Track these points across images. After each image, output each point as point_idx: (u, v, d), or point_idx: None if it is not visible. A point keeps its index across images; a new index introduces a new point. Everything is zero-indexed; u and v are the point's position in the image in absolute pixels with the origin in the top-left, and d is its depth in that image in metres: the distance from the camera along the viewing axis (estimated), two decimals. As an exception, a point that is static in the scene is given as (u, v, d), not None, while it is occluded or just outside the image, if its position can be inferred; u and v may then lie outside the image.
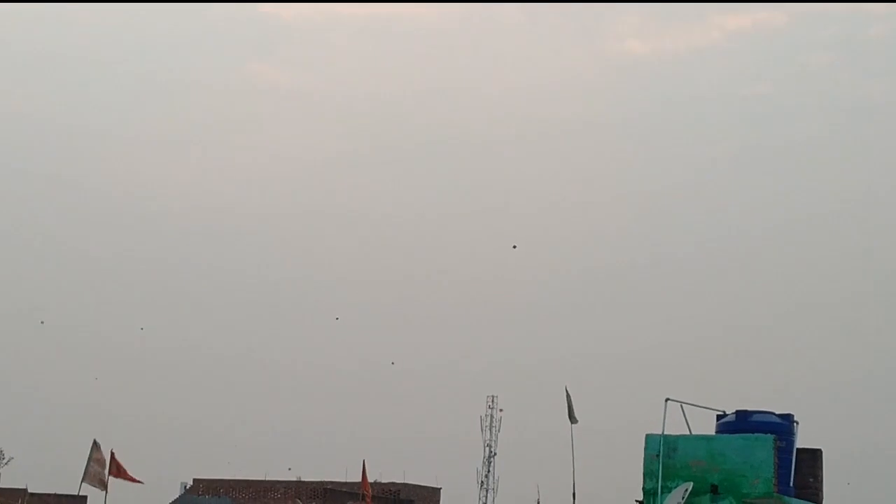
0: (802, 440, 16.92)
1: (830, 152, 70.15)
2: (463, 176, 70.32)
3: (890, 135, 70.40)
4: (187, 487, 45.22)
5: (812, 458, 16.89)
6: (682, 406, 16.39)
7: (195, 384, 58.93)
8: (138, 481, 26.95)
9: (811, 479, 16.77)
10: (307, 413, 57.83)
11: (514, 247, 53.96)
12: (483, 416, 46.46)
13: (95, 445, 25.87)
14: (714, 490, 16.03)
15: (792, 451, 16.51)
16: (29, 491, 33.93)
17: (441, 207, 69.58)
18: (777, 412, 16.83)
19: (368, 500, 38.94)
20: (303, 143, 72.89)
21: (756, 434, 16.17)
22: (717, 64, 74.09)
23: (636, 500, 16.53)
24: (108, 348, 56.93)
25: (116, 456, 26.15)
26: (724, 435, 16.44)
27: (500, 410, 46.18)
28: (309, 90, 73.59)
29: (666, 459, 16.18)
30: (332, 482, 43.07)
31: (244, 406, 57.78)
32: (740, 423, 16.45)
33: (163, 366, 58.72)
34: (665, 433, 16.24)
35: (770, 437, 16.05)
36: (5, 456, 33.47)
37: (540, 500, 25.12)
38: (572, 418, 18.85)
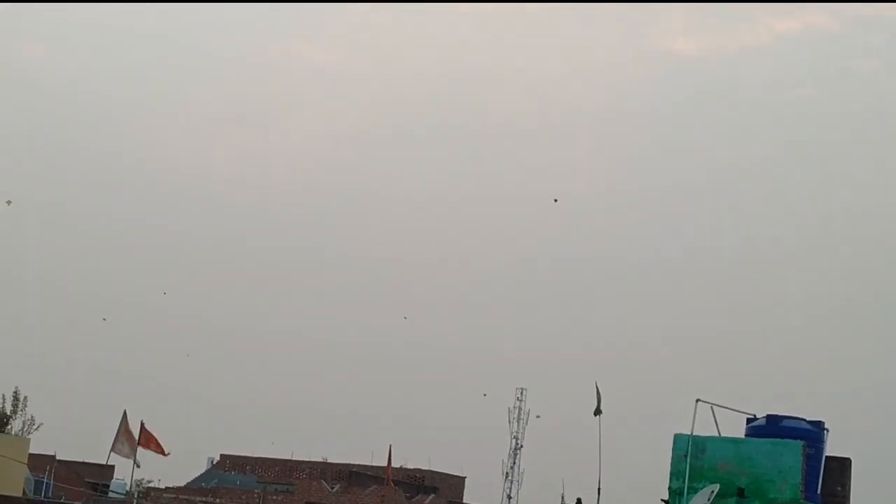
0: (832, 448, 16.80)
1: (870, 156, 69.81)
2: (506, 159, 70.33)
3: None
4: (214, 462, 45.43)
5: (841, 466, 16.78)
6: (712, 407, 16.31)
7: (227, 359, 59.22)
8: (166, 453, 27.17)
9: (839, 488, 16.66)
10: (337, 394, 57.99)
11: (556, 200, 54.21)
12: (511, 407, 46.40)
13: (125, 417, 26.10)
14: (741, 493, 15.95)
15: (821, 459, 16.40)
16: (57, 458, 34.20)
17: (478, 190, 69.66)
18: (808, 419, 16.72)
19: (390, 484, 39.11)
20: (342, 120, 73.09)
21: (786, 440, 16.07)
22: (763, 65, 73.63)
23: (662, 500, 16.47)
24: (143, 318, 57.27)
25: (146, 427, 26.36)
26: (753, 439, 16.35)
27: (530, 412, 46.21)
28: (349, 69, 73.69)
29: (693, 460, 16.12)
30: (357, 465, 43.15)
31: (276, 383, 58.06)
32: (770, 428, 16.36)
33: (196, 339, 59.06)
34: (694, 434, 16.17)
35: (799, 443, 15.95)
36: (35, 422, 33.79)
37: (565, 495, 25.07)
38: (598, 411, 18.80)
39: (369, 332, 59.99)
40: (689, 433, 16.35)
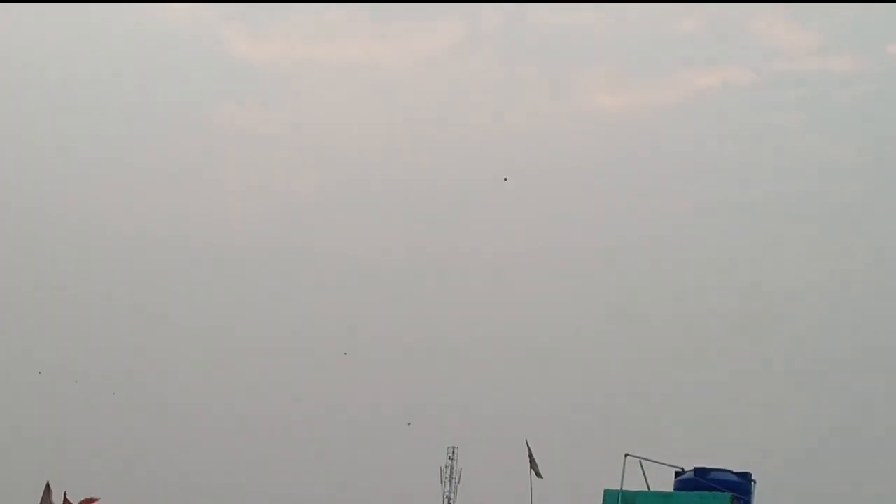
0: (760, 500, 16.94)
1: (798, 211, 70.94)
2: (434, 223, 70.48)
3: (857, 196, 71.00)
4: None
5: (769, 517, 16.90)
6: (640, 462, 16.39)
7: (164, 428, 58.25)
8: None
9: (767, 540, 16.77)
10: (268, 474, 57.32)
11: (505, 179, 54.03)
12: (443, 467, 46.23)
13: (47, 489, 25.29)
14: (671, 547, 16.00)
15: (749, 510, 16.50)
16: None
17: (411, 251, 69.65)
18: (735, 471, 16.84)
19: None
20: (272, 184, 72.94)
21: (713, 492, 16.18)
22: (684, 121, 74.88)
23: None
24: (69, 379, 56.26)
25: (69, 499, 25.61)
26: (682, 492, 16.46)
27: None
28: (279, 133, 73.73)
29: (623, 515, 16.14)
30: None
31: (214, 461, 57.14)
32: (698, 481, 16.45)
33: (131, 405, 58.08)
34: (624, 489, 16.23)
35: (727, 495, 16.07)
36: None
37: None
38: (537, 473, 18.80)
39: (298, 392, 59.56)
40: (619, 488, 16.42)
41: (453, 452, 46.30)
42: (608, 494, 16.44)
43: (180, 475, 55.44)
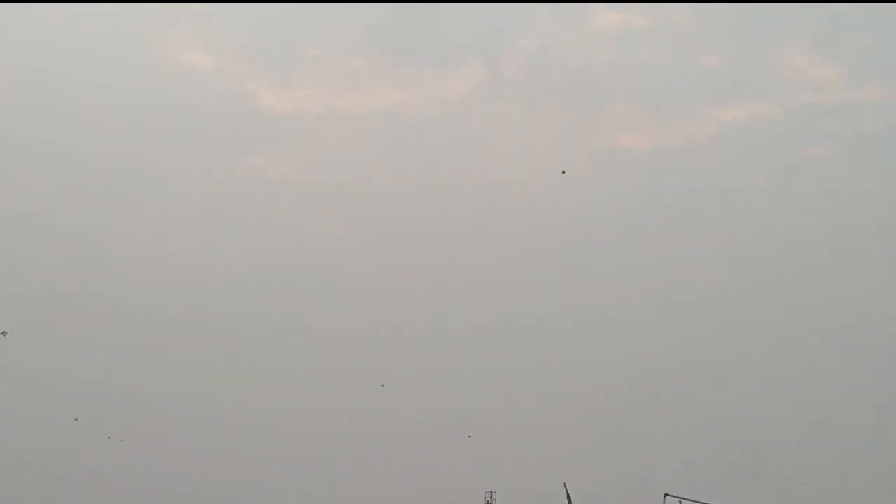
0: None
1: (826, 241, 70.67)
2: (457, 264, 70.60)
3: (884, 226, 70.71)
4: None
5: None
6: (680, 501, 16.44)
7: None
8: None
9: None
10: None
11: (563, 172, 54.59)
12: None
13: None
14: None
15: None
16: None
17: (437, 295, 69.73)
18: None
19: None
20: (303, 230, 73.27)
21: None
22: (712, 156, 74.86)
23: None
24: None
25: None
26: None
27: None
28: (307, 180, 74.17)
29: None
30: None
31: None
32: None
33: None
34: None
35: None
36: None
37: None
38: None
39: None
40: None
41: (491, 497, 46.20)
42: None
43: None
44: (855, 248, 70.00)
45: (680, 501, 14.56)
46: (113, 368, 63.80)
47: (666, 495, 14.47)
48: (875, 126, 73.45)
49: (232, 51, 75.94)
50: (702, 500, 15.05)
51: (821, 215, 71.51)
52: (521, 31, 76.94)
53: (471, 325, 68.15)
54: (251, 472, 60.59)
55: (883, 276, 68.70)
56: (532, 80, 76.21)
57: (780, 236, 70.75)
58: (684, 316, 68.62)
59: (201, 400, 63.32)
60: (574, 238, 73.42)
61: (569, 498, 16.88)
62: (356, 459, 59.61)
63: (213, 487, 59.33)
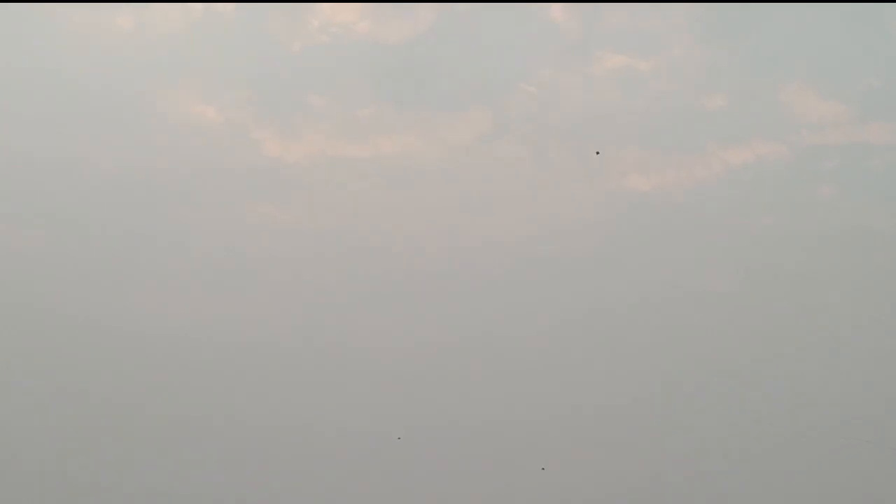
0: None
1: (837, 280, 70.30)
2: (466, 314, 70.63)
3: (891, 263, 70.31)
4: None
5: None
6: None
7: None
8: None
9: None
10: None
11: (598, 153, 54.91)
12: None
13: None
14: None
15: None
16: None
17: (443, 345, 69.67)
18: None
19: None
20: (310, 277, 73.54)
21: None
22: (720, 197, 74.73)
23: None
24: None
25: None
26: None
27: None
28: (313, 229, 74.56)
29: None
30: None
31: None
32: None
33: None
34: None
35: None
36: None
37: None
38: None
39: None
40: None
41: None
42: None
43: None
44: (865, 287, 69.72)
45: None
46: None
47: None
48: (884, 164, 73.39)
49: (237, 101, 76.66)
50: None
51: (831, 254, 71.29)
52: (526, 76, 77.44)
53: (474, 368, 68.37)
54: None
55: (893, 313, 68.32)
56: (538, 124, 76.70)
57: (790, 276, 70.52)
58: (691, 358, 68.52)
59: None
60: (583, 276, 73.51)
61: None
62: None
63: None
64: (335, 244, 73.58)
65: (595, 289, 72.98)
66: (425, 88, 76.98)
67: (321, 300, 72.10)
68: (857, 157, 74.44)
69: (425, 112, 76.75)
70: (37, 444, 62.77)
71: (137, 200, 71.56)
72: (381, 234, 74.09)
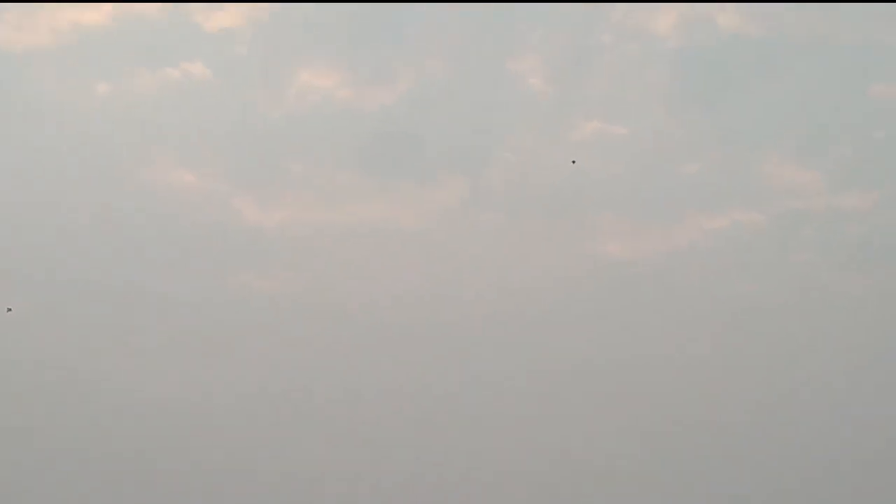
0: None
1: (815, 347, 70.64)
2: (448, 378, 70.58)
3: (868, 329, 70.68)
4: None
5: None
6: None
7: None
8: None
9: None
10: None
11: (573, 161, 54.88)
12: None
13: None
14: None
15: None
16: None
17: (422, 405, 69.61)
18: None
19: None
20: (288, 346, 73.28)
21: None
22: (696, 263, 75.16)
23: None
24: None
25: None
26: None
27: None
28: (293, 294, 74.52)
29: None
30: None
31: None
32: None
33: None
34: None
35: None
36: None
37: None
38: None
39: None
40: None
41: None
42: None
43: None
44: (841, 352, 70.01)
45: None
46: None
47: None
48: (858, 232, 74.01)
49: (217, 168, 76.99)
50: None
51: (810, 320, 71.60)
52: (503, 143, 78.11)
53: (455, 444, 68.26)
54: None
55: (870, 378, 68.60)
56: (516, 191, 77.15)
57: (767, 341, 70.78)
58: (668, 421, 68.48)
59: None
60: (562, 342, 73.58)
61: None
62: None
63: None
64: (314, 310, 73.48)
65: (572, 353, 73.03)
66: (404, 155, 77.43)
67: (301, 366, 71.88)
68: (832, 224, 75.21)
69: (404, 179, 77.23)
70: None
71: (116, 268, 71.44)
72: (361, 301, 74.09)
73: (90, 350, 68.50)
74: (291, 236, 75.62)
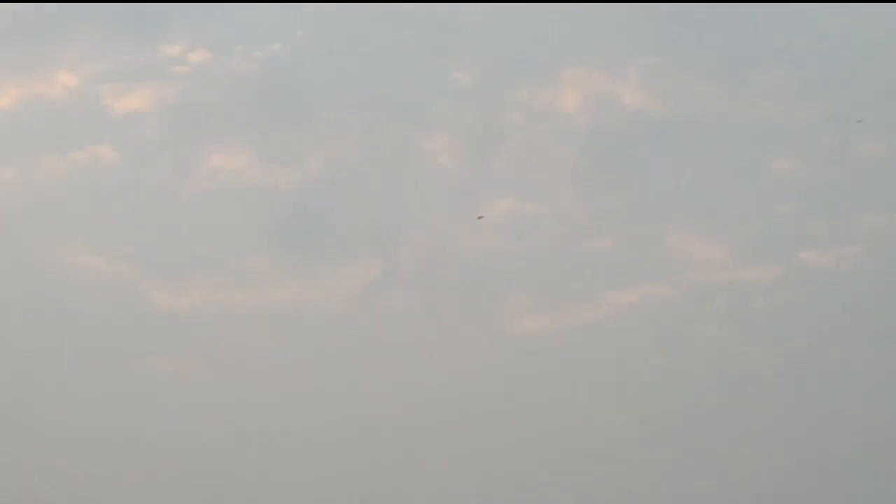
0: None
1: (724, 417, 71.43)
2: (355, 460, 70.17)
3: (779, 403, 71.69)
4: None
5: None
6: None
7: None
8: None
9: None
10: None
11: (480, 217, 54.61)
12: None
13: None
14: None
15: None
16: None
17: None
18: None
19: None
20: (203, 430, 72.37)
21: None
22: (608, 338, 75.77)
23: None
24: None
25: None
26: None
27: None
28: (204, 379, 73.61)
29: None
30: None
31: None
32: None
33: None
34: None
35: None
36: None
37: None
38: None
39: None
40: None
41: None
42: None
43: None
44: (752, 426, 70.91)
45: None
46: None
47: None
48: (763, 305, 75.37)
49: (126, 251, 76.21)
50: None
51: (719, 394, 72.46)
52: (415, 221, 78.37)
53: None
54: None
55: (781, 450, 69.56)
56: (429, 270, 77.38)
57: (679, 416, 71.39)
58: (585, 499, 68.64)
59: None
60: (478, 420, 73.53)
61: None
62: None
63: None
64: (225, 394, 72.66)
65: (488, 431, 73.13)
66: (315, 236, 77.42)
67: (213, 451, 71.03)
68: (738, 297, 76.43)
69: (315, 259, 77.10)
70: None
71: (20, 355, 70.21)
72: (272, 384, 73.37)
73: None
74: (202, 319, 74.99)
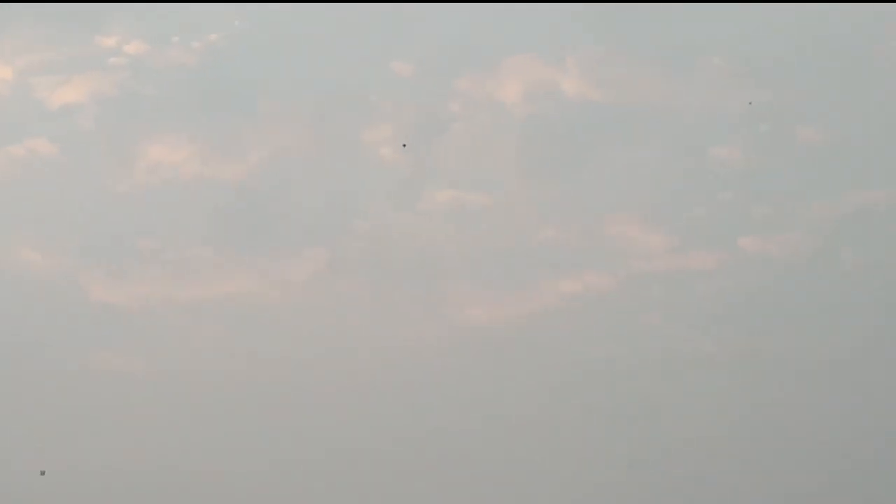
0: None
1: (672, 406, 72.05)
2: (311, 448, 69.94)
3: (722, 386, 72.45)
4: None
5: None
6: None
7: None
8: None
9: None
10: None
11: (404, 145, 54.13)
12: None
13: None
14: None
15: None
16: None
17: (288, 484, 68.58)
18: None
19: None
20: (149, 426, 71.70)
21: None
22: (553, 327, 76.11)
23: None
24: None
25: None
26: None
27: None
28: (151, 374, 72.92)
29: None
30: None
31: None
32: None
33: None
34: None
35: None
36: None
37: None
38: None
39: None
40: None
41: None
42: None
43: None
44: (698, 413, 71.65)
45: None
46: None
47: None
48: (705, 292, 76.10)
49: (65, 246, 75.23)
50: None
51: (665, 381, 73.07)
52: (359, 212, 78.15)
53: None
54: None
55: (725, 435, 70.32)
56: (373, 260, 77.25)
57: (627, 404, 71.93)
58: (525, 488, 69.02)
59: None
60: (428, 409, 73.57)
61: None
62: None
63: None
64: (171, 388, 72.05)
65: (433, 420, 73.21)
66: (258, 227, 76.98)
67: (155, 445, 70.43)
68: (680, 285, 77.11)
69: (259, 252, 76.62)
70: None
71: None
72: (218, 377, 72.88)
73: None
74: (144, 313, 74.25)
